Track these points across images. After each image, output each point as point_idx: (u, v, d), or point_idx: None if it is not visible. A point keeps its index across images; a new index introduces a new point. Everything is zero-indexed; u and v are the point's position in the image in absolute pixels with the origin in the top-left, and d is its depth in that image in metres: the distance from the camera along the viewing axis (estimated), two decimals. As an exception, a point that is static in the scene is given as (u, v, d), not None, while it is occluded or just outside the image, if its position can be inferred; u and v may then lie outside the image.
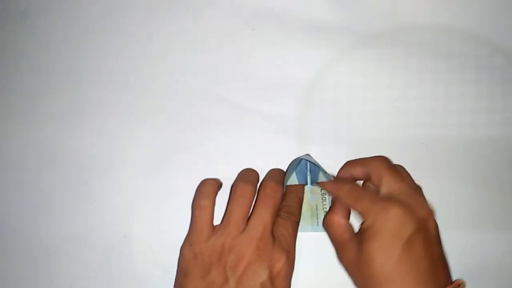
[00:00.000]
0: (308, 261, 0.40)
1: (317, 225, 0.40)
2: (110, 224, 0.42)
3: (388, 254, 0.33)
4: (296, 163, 0.39)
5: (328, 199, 0.39)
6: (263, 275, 0.34)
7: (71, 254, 0.42)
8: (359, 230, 0.35)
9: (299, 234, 0.38)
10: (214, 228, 0.36)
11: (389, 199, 0.35)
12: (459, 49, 0.42)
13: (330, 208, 0.37)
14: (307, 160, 0.38)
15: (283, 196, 0.38)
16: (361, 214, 0.35)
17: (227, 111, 0.42)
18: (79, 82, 0.43)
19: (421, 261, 0.33)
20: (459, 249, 0.40)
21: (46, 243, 0.42)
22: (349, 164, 0.39)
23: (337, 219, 0.36)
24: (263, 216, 0.35)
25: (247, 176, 0.39)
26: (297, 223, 0.38)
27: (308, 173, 0.39)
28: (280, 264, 0.35)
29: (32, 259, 0.42)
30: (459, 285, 0.33)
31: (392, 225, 0.33)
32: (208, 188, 0.37)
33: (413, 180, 0.37)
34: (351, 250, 0.35)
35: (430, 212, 0.35)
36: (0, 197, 0.43)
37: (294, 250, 0.37)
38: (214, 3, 0.44)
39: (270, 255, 0.35)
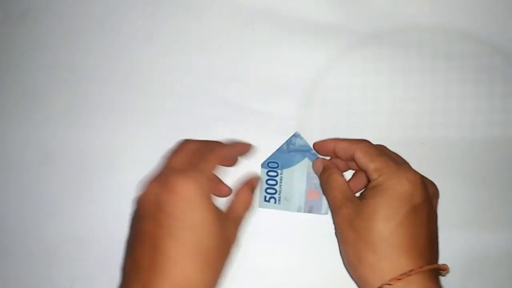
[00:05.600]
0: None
1: (304, 207, 0.41)
2: (110, 224, 0.42)
3: (392, 212, 0.32)
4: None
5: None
6: None
7: (71, 254, 0.42)
8: (363, 191, 0.35)
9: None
10: None
11: (404, 164, 0.34)
12: (459, 49, 0.42)
13: (325, 171, 0.38)
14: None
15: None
16: (373, 171, 0.34)
17: (227, 111, 0.42)
18: (79, 82, 0.44)
19: (421, 232, 0.32)
20: (458, 248, 0.40)
21: (46, 243, 0.42)
22: (334, 140, 0.38)
23: (337, 177, 0.36)
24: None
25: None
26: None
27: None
28: None
29: (32, 259, 0.42)
30: (445, 269, 0.33)
31: (405, 188, 0.32)
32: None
33: None
34: (351, 206, 0.34)
35: (438, 192, 0.35)
36: (0, 197, 0.43)
37: None
38: (214, 4, 0.44)
39: None
